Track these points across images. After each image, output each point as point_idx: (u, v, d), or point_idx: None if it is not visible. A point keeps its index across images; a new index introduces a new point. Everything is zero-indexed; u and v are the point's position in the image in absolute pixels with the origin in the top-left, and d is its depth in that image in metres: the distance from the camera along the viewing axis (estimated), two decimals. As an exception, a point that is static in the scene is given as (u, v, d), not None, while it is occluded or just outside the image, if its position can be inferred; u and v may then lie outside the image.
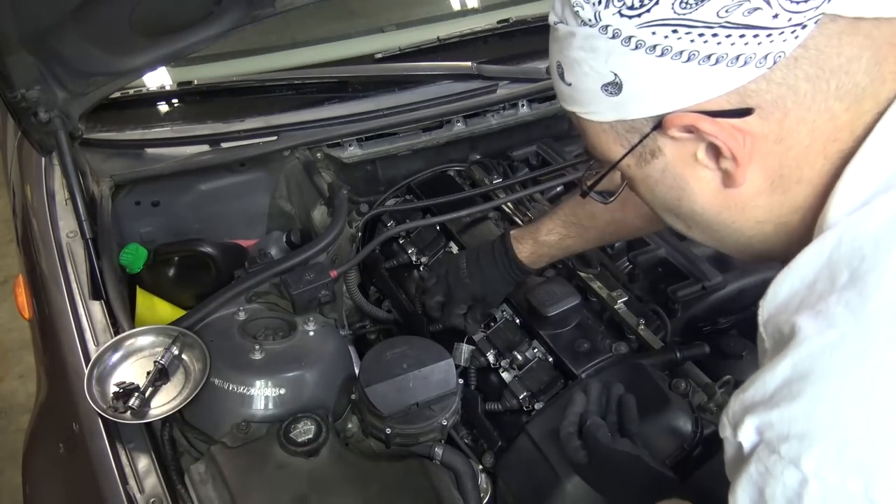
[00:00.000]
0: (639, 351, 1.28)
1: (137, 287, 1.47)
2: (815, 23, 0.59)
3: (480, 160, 1.76)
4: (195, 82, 1.77)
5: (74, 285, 1.33)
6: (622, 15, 0.62)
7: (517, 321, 1.37)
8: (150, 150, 1.62)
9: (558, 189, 1.65)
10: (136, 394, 1.11)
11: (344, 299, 1.60)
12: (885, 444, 0.53)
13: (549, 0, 0.70)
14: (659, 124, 0.66)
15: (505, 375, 1.30)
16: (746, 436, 0.60)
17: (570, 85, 0.69)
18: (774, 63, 0.60)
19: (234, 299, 1.31)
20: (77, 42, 1.33)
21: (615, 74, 0.64)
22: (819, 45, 0.60)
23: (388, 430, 1.14)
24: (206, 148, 1.62)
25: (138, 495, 1.05)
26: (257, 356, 1.18)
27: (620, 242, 1.48)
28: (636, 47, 0.62)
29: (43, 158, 1.56)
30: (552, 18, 0.69)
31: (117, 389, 1.13)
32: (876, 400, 0.54)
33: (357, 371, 1.24)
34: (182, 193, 1.64)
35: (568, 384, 1.24)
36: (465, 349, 1.33)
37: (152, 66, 1.57)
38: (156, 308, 1.48)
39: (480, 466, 1.19)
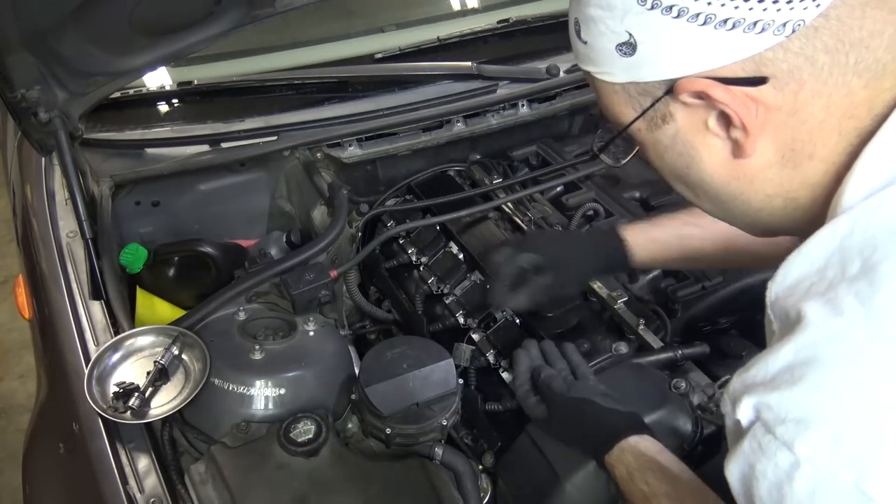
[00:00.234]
0: (639, 351, 1.28)
1: (137, 287, 1.47)
2: None
3: (480, 160, 1.76)
4: (195, 82, 1.77)
5: (74, 285, 1.33)
6: None
7: (517, 321, 1.36)
8: (150, 150, 1.61)
9: (558, 189, 1.66)
10: (136, 394, 1.11)
11: (344, 299, 1.60)
12: (883, 437, 0.53)
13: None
14: (671, 89, 0.65)
15: (505, 375, 1.30)
16: (744, 413, 0.59)
17: (586, 43, 0.68)
18: (793, 32, 0.59)
19: (234, 299, 1.31)
20: (77, 42, 1.33)
21: (630, 34, 0.64)
22: (841, 15, 0.58)
23: (388, 430, 1.14)
24: (206, 148, 1.62)
25: (138, 495, 1.05)
26: (257, 356, 1.18)
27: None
28: (652, 7, 0.61)
29: (43, 158, 1.56)
30: None
31: (117, 389, 1.13)
32: (878, 392, 0.54)
33: (357, 371, 1.24)
34: (182, 193, 1.64)
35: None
36: (465, 349, 1.33)
37: (152, 66, 1.57)
38: (156, 308, 1.48)
39: (480, 466, 1.19)
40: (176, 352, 1.18)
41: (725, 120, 0.65)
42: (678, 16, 0.61)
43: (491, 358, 1.33)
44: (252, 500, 1.04)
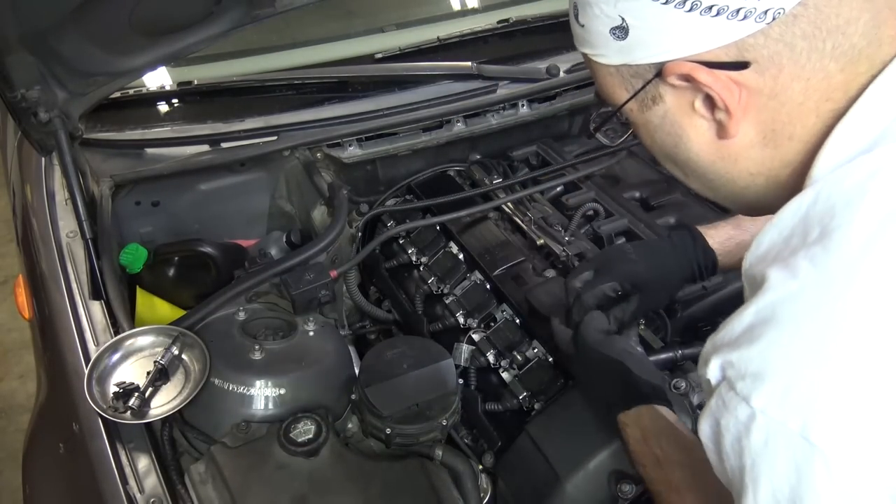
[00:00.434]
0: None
1: (137, 287, 1.47)
2: None
3: (480, 160, 1.76)
4: (195, 82, 1.77)
5: (74, 285, 1.33)
6: None
7: (517, 321, 1.36)
8: (150, 150, 1.61)
9: (558, 189, 1.66)
10: (136, 394, 1.11)
11: (344, 299, 1.60)
12: (825, 388, 0.56)
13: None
14: (660, 71, 0.68)
15: (505, 375, 1.30)
16: (712, 373, 0.63)
17: (583, 27, 0.72)
18: (774, 19, 0.62)
19: (234, 299, 1.31)
20: (77, 42, 1.33)
21: (622, 18, 0.67)
22: (819, 4, 0.61)
23: (388, 430, 1.14)
24: (206, 148, 1.62)
25: (138, 495, 1.05)
26: (257, 356, 1.18)
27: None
28: None
29: (43, 158, 1.56)
30: None
31: (117, 389, 1.13)
32: (822, 348, 0.57)
33: (357, 371, 1.24)
34: (182, 193, 1.64)
35: (568, 384, 1.24)
36: (465, 349, 1.33)
37: (152, 66, 1.57)
38: (156, 308, 1.48)
39: (480, 466, 1.19)
40: (176, 352, 1.18)
41: (710, 102, 0.68)
42: (666, 2, 0.64)
43: (491, 358, 1.33)
44: (252, 500, 1.04)
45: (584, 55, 0.75)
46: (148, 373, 1.14)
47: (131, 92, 1.73)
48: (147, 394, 1.12)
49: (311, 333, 1.27)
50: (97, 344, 1.23)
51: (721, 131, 0.69)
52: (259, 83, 1.80)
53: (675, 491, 0.89)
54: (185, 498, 1.06)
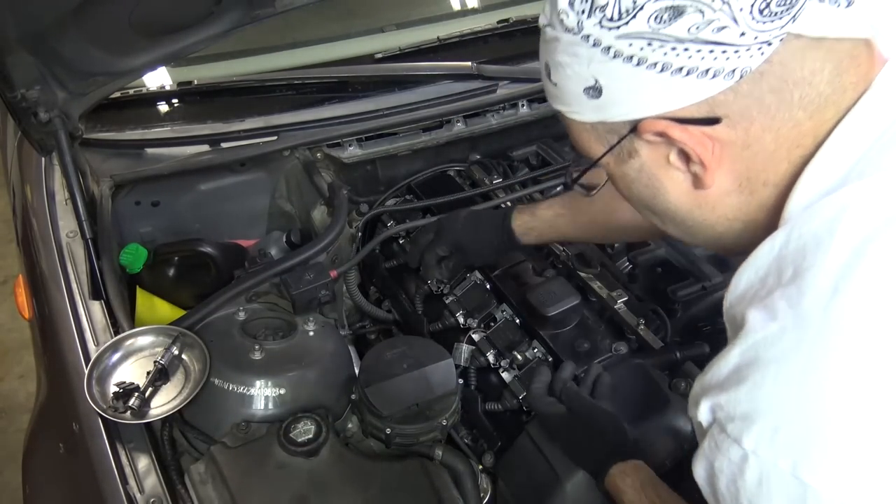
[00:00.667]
0: (639, 351, 1.28)
1: (137, 287, 1.47)
2: (780, 41, 0.63)
3: (480, 160, 1.76)
4: (195, 82, 1.77)
5: (74, 285, 1.33)
6: (602, 26, 0.65)
7: (517, 321, 1.36)
8: (150, 150, 1.62)
9: (558, 189, 1.65)
10: (136, 394, 1.11)
11: (344, 299, 1.60)
12: (812, 427, 0.58)
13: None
14: (635, 128, 0.70)
15: (505, 375, 1.30)
16: (703, 415, 0.66)
17: (556, 85, 0.73)
18: (741, 77, 0.64)
19: (234, 299, 1.31)
20: (77, 42, 1.33)
21: (595, 79, 0.68)
22: (784, 59, 0.64)
23: (388, 430, 1.14)
24: (206, 148, 1.62)
25: (138, 495, 1.05)
26: (257, 356, 1.18)
27: (620, 243, 1.48)
28: (615, 56, 0.66)
29: (43, 158, 1.56)
30: (542, 21, 0.73)
31: (117, 389, 1.13)
32: (805, 387, 0.59)
33: (357, 371, 1.24)
34: (182, 193, 1.64)
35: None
36: (465, 349, 1.33)
37: (152, 66, 1.57)
38: (156, 308, 1.48)
39: (480, 466, 1.19)
40: (176, 352, 1.18)
41: (685, 156, 0.70)
42: (638, 64, 0.65)
43: (491, 358, 1.33)
44: (252, 500, 1.04)
45: (559, 112, 0.76)
46: (148, 373, 1.14)
47: (131, 92, 1.73)
48: (147, 394, 1.12)
49: (311, 333, 1.27)
50: (97, 344, 1.23)
51: (697, 182, 0.71)
52: (259, 83, 1.80)
53: None
54: (185, 498, 1.06)
